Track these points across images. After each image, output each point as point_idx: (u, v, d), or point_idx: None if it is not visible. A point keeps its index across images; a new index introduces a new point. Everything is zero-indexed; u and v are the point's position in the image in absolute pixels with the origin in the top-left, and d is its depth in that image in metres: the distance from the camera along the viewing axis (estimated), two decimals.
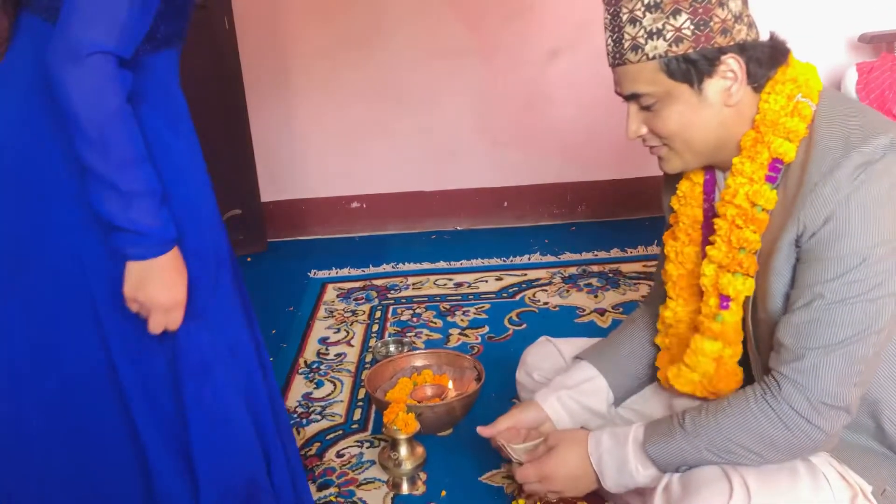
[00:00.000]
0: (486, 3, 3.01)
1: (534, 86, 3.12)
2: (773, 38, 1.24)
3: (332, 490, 1.72)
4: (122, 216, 1.07)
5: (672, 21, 1.17)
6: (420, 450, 1.74)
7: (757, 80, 1.21)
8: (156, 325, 1.15)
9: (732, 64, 1.18)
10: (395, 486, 1.70)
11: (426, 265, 2.91)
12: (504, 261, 2.88)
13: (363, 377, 2.07)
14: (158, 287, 1.12)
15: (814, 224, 1.13)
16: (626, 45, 1.20)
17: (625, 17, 1.19)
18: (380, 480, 1.74)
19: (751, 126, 1.23)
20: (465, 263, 2.90)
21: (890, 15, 2.90)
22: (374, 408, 2.00)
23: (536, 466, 1.35)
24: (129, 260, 1.11)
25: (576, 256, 2.88)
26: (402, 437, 1.70)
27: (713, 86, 1.19)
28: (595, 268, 2.75)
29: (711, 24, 1.16)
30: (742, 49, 1.18)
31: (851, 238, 1.12)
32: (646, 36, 1.18)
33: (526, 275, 2.75)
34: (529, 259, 2.88)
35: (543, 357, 1.66)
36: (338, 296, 2.68)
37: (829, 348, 1.13)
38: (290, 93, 3.13)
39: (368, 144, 3.20)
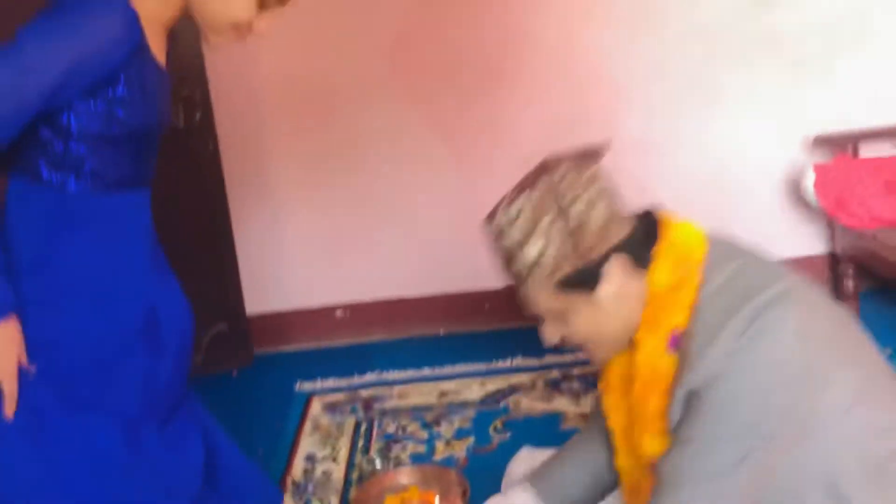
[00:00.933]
0: (457, 116, 3.13)
1: (505, 191, 3.22)
2: (644, 215, 1.33)
3: None
4: None
5: (548, 246, 1.25)
6: None
7: (642, 263, 1.28)
8: None
9: (615, 265, 1.26)
10: None
11: (411, 373, 2.94)
12: (487, 366, 2.92)
13: (350, 498, 2.09)
14: None
15: (697, 389, 1.19)
16: (515, 276, 1.30)
17: (506, 254, 1.30)
18: None
19: (647, 304, 1.30)
20: (448, 370, 2.93)
21: (846, 114, 3.04)
22: None
23: None
24: None
25: (558, 359, 2.92)
26: None
27: (605, 290, 1.27)
28: (576, 370, 2.80)
29: (584, 240, 1.24)
30: (620, 247, 1.26)
31: (724, 410, 1.18)
32: (529, 267, 1.27)
33: (509, 380, 2.79)
34: (512, 363, 2.92)
35: (528, 469, 1.70)
36: (323, 409, 2.71)
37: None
38: (274, 208, 3.22)
39: (350, 254, 3.28)
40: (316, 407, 2.74)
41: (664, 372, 1.26)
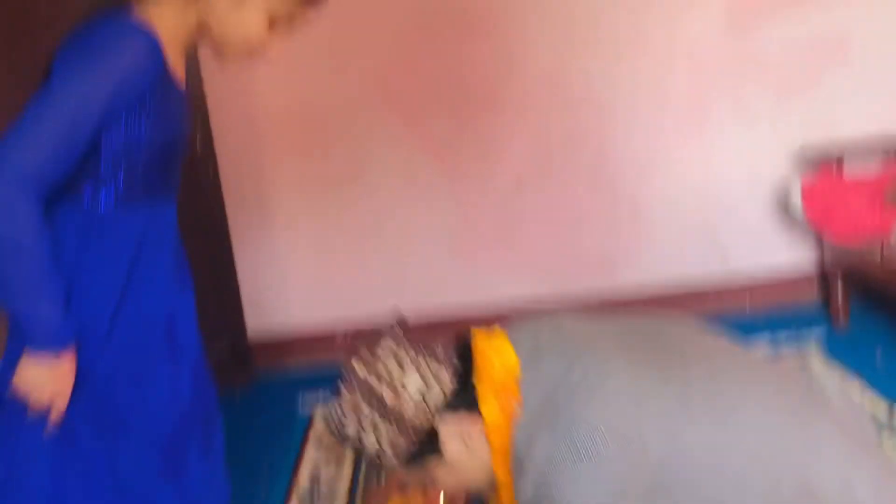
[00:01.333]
0: (451, 139, 3.20)
1: (503, 211, 3.29)
2: (457, 349, 1.41)
3: None
4: (29, 311, 1.24)
5: (382, 439, 1.33)
6: None
7: (472, 406, 1.34)
8: (33, 412, 1.30)
9: (448, 425, 1.33)
10: None
11: None
12: None
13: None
14: (48, 383, 1.28)
15: (533, 498, 1.27)
16: (373, 463, 1.43)
17: (353, 449, 1.39)
18: None
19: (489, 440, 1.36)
20: None
21: (831, 127, 3.12)
22: None
23: None
24: (30, 350, 1.27)
25: None
26: None
27: (449, 448, 1.35)
28: None
29: (406, 421, 1.32)
30: (445, 407, 1.33)
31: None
32: (375, 456, 1.35)
33: None
34: None
35: None
36: (326, 427, 2.75)
37: None
38: (273, 230, 3.28)
39: (350, 275, 3.33)
40: (319, 424, 2.78)
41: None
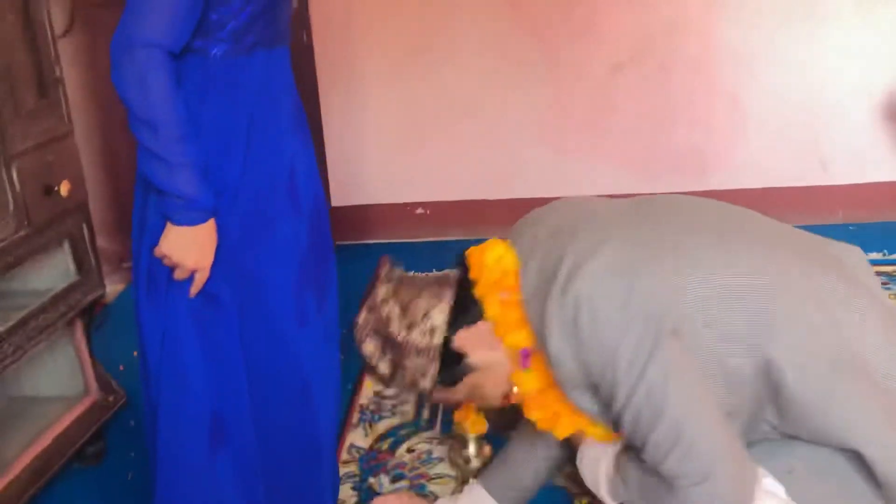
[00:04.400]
0: (552, 19, 3.10)
1: (597, 98, 3.20)
2: (456, 263, 1.42)
3: (405, 483, 1.84)
4: (168, 183, 1.25)
5: (408, 370, 1.37)
6: (487, 449, 1.83)
7: (480, 315, 1.35)
8: (179, 277, 1.33)
9: (463, 338, 1.35)
10: (465, 482, 1.81)
11: None
12: None
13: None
14: (190, 251, 1.30)
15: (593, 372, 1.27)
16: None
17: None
18: (449, 476, 1.85)
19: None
20: None
21: None
22: (441, 407, 2.10)
23: None
24: (172, 223, 1.28)
25: None
26: (471, 436, 1.80)
27: (476, 357, 1.37)
28: None
29: (422, 345, 1.34)
30: (453, 324, 1.35)
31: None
32: (411, 386, 1.39)
33: None
34: None
35: None
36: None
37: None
38: (362, 101, 3.26)
39: (434, 151, 3.31)
40: None
41: (534, 387, 1.37)
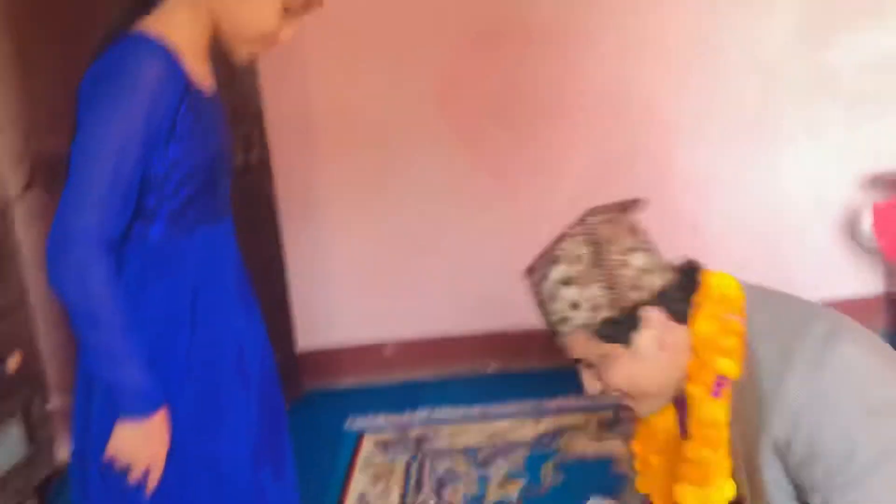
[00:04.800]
0: (509, 156, 3.14)
1: (558, 230, 3.21)
2: (682, 267, 1.34)
3: None
4: (114, 377, 1.23)
5: (585, 292, 1.26)
6: None
7: (682, 315, 1.29)
8: (133, 478, 1.27)
9: (653, 314, 1.27)
10: None
11: (461, 411, 2.93)
12: (538, 405, 2.90)
13: None
14: (143, 448, 1.26)
15: (786, 435, 1.19)
16: (555, 321, 1.31)
17: (546, 295, 1.31)
18: None
19: (692, 354, 1.30)
20: (499, 409, 2.92)
21: None
22: None
23: None
24: (122, 417, 1.24)
25: (610, 399, 2.89)
26: None
27: (643, 338, 1.28)
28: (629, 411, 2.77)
29: (621, 285, 1.26)
30: (658, 297, 1.27)
31: (827, 433, 1.17)
32: (567, 309, 1.28)
33: (561, 420, 2.76)
34: (563, 402, 2.89)
35: None
36: (375, 447, 2.71)
37: None
38: (326, 244, 3.25)
39: (400, 290, 3.29)
40: (367, 445, 2.74)
41: (716, 419, 1.27)
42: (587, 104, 3.09)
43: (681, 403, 1.39)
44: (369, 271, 3.27)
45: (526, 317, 3.24)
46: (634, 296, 1.26)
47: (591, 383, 1.36)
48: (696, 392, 1.29)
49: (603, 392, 1.36)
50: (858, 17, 2.98)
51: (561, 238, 1.33)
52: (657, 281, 1.28)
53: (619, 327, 1.27)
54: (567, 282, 1.28)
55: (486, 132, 3.13)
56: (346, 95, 3.10)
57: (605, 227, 1.30)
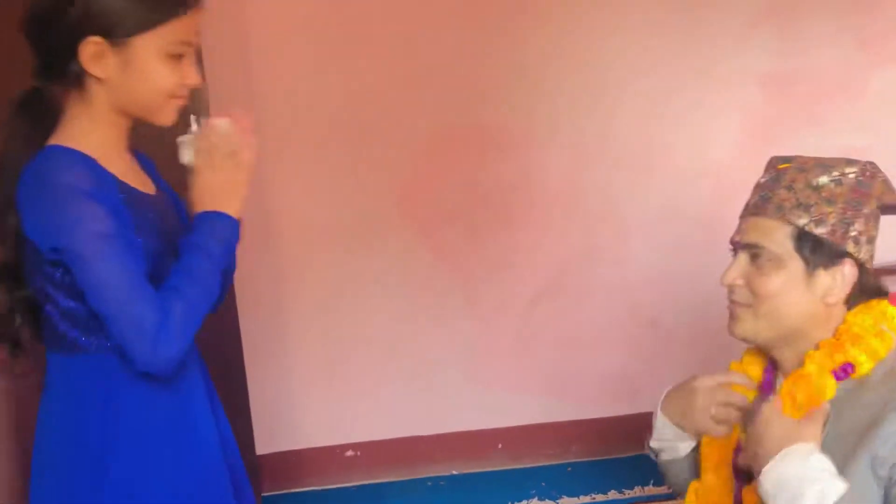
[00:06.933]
0: (469, 256, 3.17)
1: (519, 328, 3.23)
2: (879, 279, 1.38)
3: None
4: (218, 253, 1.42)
5: (823, 205, 1.30)
6: None
7: (853, 299, 1.32)
8: None
9: (848, 270, 1.30)
10: None
11: None
12: None
13: None
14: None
15: (892, 456, 1.19)
16: (774, 202, 1.33)
17: (784, 182, 1.33)
18: None
19: (832, 335, 1.32)
20: None
21: None
22: None
23: None
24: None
25: (574, 501, 2.86)
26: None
27: (823, 278, 1.30)
28: None
29: (851, 228, 1.30)
30: (863, 265, 1.31)
31: None
32: (795, 203, 1.31)
33: None
34: None
35: None
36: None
37: None
38: (285, 347, 3.23)
39: (359, 390, 3.25)
40: None
41: (823, 393, 1.27)
42: (543, 206, 3.16)
43: (767, 385, 1.41)
44: (330, 373, 3.24)
45: (489, 417, 3.25)
46: (850, 246, 1.29)
47: (734, 272, 1.37)
48: (818, 360, 1.29)
49: (732, 288, 1.38)
50: (800, 122, 3.11)
51: (839, 161, 1.36)
52: (868, 257, 1.32)
53: (819, 251, 1.29)
54: (819, 188, 1.30)
55: (446, 232, 3.17)
56: (304, 200, 3.13)
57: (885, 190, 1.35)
